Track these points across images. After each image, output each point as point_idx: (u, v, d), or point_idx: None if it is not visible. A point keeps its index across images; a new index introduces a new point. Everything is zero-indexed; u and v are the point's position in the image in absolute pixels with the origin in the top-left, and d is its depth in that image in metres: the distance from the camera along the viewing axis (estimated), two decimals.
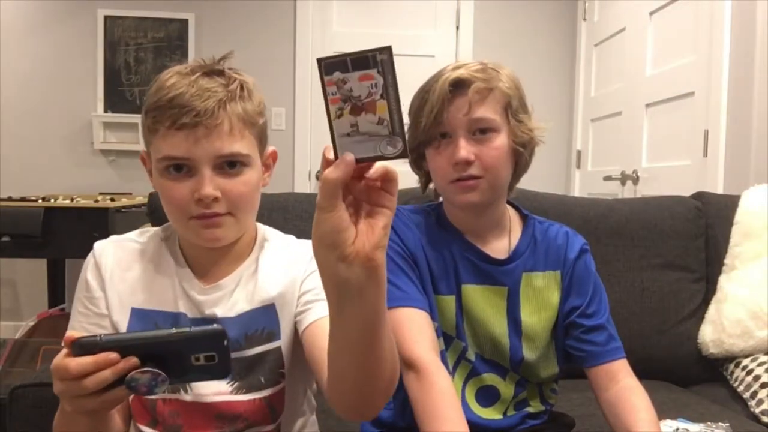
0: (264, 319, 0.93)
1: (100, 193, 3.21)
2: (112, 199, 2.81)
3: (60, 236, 2.43)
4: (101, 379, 0.65)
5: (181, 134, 0.83)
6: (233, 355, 0.87)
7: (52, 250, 2.48)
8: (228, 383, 0.91)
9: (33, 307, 3.25)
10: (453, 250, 1.05)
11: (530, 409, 1.07)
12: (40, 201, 2.58)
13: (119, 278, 0.93)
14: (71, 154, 3.47)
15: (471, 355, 1.04)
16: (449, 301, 1.03)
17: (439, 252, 1.04)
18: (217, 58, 0.92)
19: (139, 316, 0.92)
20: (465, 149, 0.97)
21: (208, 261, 0.95)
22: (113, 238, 0.98)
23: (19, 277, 3.45)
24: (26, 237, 2.40)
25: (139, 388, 0.67)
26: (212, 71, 0.88)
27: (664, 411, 1.28)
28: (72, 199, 2.75)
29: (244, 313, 0.93)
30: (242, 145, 0.87)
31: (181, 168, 0.86)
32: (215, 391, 0.91)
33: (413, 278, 1.00)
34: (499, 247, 1.06)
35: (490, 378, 1.04)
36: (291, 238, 1.03)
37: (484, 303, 1.04)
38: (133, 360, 0.66)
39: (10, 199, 2.67)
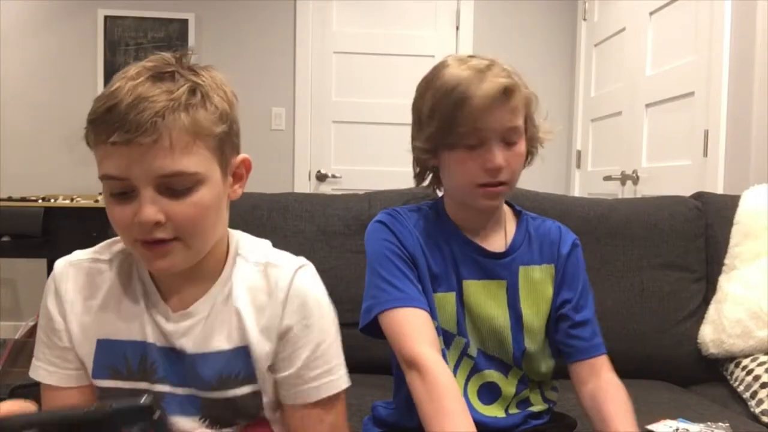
0: (240, 362, 0.84)
1: (100, 193, 3.21)
2: None
3: (60, 236, 2.43)
4: None
5: (116, 152, 0.73)
6: (205, 395, 0.85)
7: (52, 250, 2.48)
8: (201, 420, 0.86)
9: (33, 307, 3.25)
10: (453, 246, 1.05)
11: (533, 409, 1.07)
12: (40, 201, 2.58)
13: (82, 308, 0.85)
14: (71, 154, 3.47)
15: (473, 351, 1.04)
16: (449, 298, 1.03)
17: (438, 250, 1.05)
18: (178, 55, 0.80)
19: (105, 347, 0.85)
20: (501, 156, 0.96)
21: (175, 282, 0.85)
22: (74, 259, 0.88)
23: (19, 277, 3.45)
24: (26, 237, 2.40)
25: None
26: (161, 73, 0.76)
27: (664, 411, 1.28)
28: (72, 199, 2.75)
29: (218, 352, 0.84)
30: (190, 161, 0.75)
31: (123, 188, 0.76)
32: (185, 423, 0.86)
33: (412, 278, 1.00)
34: (496, 242, 1.07)
35: (492, 375, 1.05)
36: (267, 253, 0.90)
37: (486, 297, 1.04)
38: None
39: (10, 199, 2.67)
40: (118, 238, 0.88)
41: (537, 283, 1.07)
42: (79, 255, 0.89)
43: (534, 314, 1.06)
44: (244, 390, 0.85)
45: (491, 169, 0.96)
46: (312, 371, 0.85)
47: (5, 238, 2.41)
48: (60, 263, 0.88)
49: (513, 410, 1.06)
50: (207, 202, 0.78)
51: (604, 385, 1.00)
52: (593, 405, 0.99)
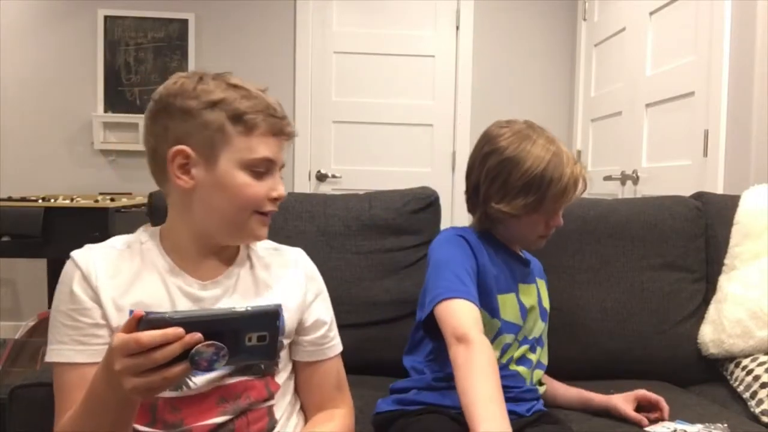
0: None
1: (100, 193, 3.21)
2: (112, 199, 2.81)
3: (60, 236, 2.43)
4: (169, 351, 0.69)
5: (275, 140, 0.95)
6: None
7: (52, 250, 2.48)
8: (228, 371, 0.95)
9: (33, 307, 3.25)
10: (506, 257, 1.27)
11: (541, 389, 1.28)
12: (40, 201, 2.58)
13: (110, 285, 0.93)
14: (71, 154, 3.47)
15: (521, 337, 1.25)
16: (511, 298, 1.24)
17: (498, 259, 1.25)
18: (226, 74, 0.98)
19: None
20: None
21: (199, 262, 0.98)
22: (91, 246, 0.97)
23: (19, 277, 3.45)
24: (26, 237, 2.40)
25: (200, 362, 0.70)
26: (264, 90, 0.99)
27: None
28: (72, 199, 2.75)
29: None
30: None
31: (265, 170, 0.95)
32: (213, 378, 0.94)
33: (474, 280, 1.17)
34: (522, 256, 1.32)
35: (530, 354, 1.26)
36: (268, 241, 1.10)
37: (530, 296, 1.28)
38: (198, 335, 0.70)
39: (10, 199, 2.67)
40: (119, 236, 1.00)
41: (543, 291, 1.34)
42: (93, 245, 0.97)
43: (546, 314, 1.33)
44: None
45: (556, 226, 1.24)
46: (331, 332, 1.09)
47: (5, 238, 2.41)
48: (77, 252, 0.95)
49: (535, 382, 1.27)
50: None
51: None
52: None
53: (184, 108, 0.92)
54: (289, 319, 1.02)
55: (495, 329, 1.19)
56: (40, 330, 2.78)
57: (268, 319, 0.73)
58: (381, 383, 1.34)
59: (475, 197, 1.24)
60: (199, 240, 0.98)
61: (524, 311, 1.24)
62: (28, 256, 2.82)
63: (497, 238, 1.27)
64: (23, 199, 2.63)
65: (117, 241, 0.99)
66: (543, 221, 1.22)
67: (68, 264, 0.95)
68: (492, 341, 1.15)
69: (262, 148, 0.93)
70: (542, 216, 1.21)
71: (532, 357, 1.26)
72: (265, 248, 1.07)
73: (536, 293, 1.30)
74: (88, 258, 0.94)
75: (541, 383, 1.29)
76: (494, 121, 1.27)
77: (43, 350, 0.93)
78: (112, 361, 0.71)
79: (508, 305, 1.22)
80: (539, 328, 1.29)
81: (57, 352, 0.91)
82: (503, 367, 1.18)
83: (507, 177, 1.18)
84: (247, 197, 0.94)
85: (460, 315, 1.08)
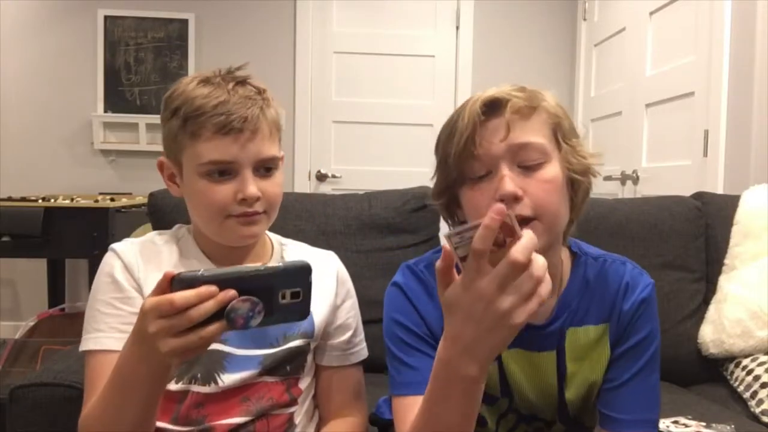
0: (305, 322, 0.99)
1: (100, 193, 3.21)
2: (112, 199, 2.81)
3: (60, 236, 2.43)
4: (204, 310, 0.67)
5: (228, 139, 0.89)
6: (269, 351, 0.96)
7: (52, 250, 2.48)
8: (257, 371, 0.96)
9: (33, 307, 3.24)
10: None
11: None
12: (40, 201, 2.58)
13: (153, 278, 0.90)
14: (71, 154, 3.47)
15: (516, 406, 0.95)
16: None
17: None
18: (233, 68, 0.97)
19: None
20: (512, 181, 0.77)
21: (233, 263, 0.96)
22: (131, 240, 0.98)
23: (19, 277, 3.45)
24: (26, 237, 2.40)
25: (236, 319, 0.68)
26: (242, 81, 0.94)
27: (664, 411, 1.28)
28: (72, 199, 2.75)
29: None
30: (276, 148, 0.95)
31: (223, 171, 0.90)
32: (243, 377, 0.95)
33: (425, 350, 0.88)
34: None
35: (537, 424, 0.96)
36: (301, 243, 1.12)
37: (529, 366, 0.90)
38: (232, 291, 0.68)
39: (10, 199, 2.67)
40: (156, 232, 1.01)
41: (590, 344, 0.90)
42: (132, 239, 0.99)
43: (577, 368, 0.91)
44: (298, 342, 1.00)
45: (502, 199, 0.78)
46: (356, 338, 1.08)
47: (5, 238, 2.41)
48: (118, 245, 0.96)
49: None
50: (282, 182, 0.97)
51: None
52: None
53: (161, 117, 0.95)
54: (318, 323, 1.01)
55: None
56: (40, 330, 2.78)
57: (302, 274, 0.71)
58: (381, 381, 1.34)
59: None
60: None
61: (504, 382, 0.90)
62: (28, 256, 2.82)
63: None
64: (23, 199, 2.63)
65: (155, 237, 1.00)
66: (483, 196, 0.81)
67: (108, 256, 0.95)
68: None
69: (207, 151, 0.89)
70: (474, 187, 0.83)
71: None
72: (298, 251, 1.07)
73: (553, 360, 0.90)
74: (129, 250, 0.95)
75: None
76: None
77: (44, 350, 0.93)
78: (146, 325, 0.68)
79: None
80: (550, 404, 0.91)
81: (94, 340, 0.90)
82: None
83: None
84: (208, 204, 0.91)
85: (397, 422, 0.85)
